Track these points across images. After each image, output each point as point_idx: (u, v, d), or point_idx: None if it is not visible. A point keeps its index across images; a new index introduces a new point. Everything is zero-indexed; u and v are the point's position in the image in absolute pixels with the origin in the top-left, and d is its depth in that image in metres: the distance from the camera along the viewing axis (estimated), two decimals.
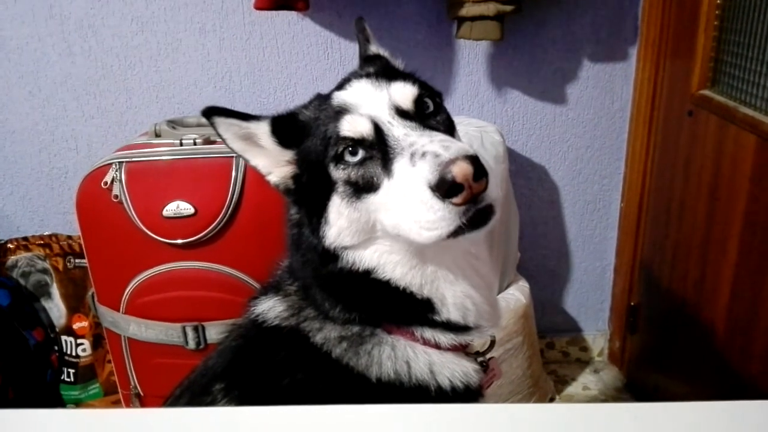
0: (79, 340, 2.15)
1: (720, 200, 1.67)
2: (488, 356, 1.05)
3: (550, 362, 2.44)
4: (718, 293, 1.68)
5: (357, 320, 0.96)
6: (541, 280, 2.37)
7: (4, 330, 2.03)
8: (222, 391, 0.97)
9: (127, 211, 1.66)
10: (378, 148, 0.88)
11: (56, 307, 2.14)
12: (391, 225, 0.88)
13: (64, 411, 0.80)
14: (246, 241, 1.68)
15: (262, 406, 0.68)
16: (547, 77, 2.15)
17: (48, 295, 2.14)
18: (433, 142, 0.82)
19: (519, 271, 2.19)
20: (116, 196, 1.67)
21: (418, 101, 0.92)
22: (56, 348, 2.17)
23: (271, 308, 1.02)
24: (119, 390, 1.94)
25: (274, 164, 1.00)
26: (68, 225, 2.16)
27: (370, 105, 0.91)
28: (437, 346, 0.96)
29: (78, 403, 2.21)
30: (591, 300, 2.45)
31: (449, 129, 0.96)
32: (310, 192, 0.96)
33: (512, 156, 2.16)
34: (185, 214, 1.65)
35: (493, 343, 1.07)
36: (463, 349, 1.00)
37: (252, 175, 1.66)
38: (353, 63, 1.13)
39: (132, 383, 1.86)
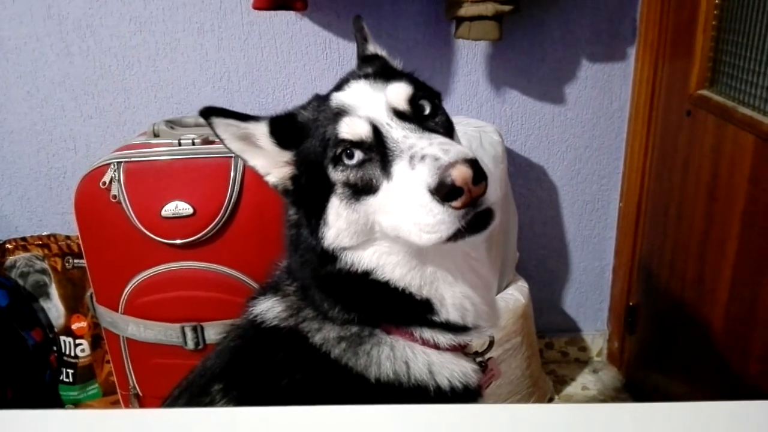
0: (78, 341, 2.15)
1: (718, 200, 1.67)
2: (487, 356, 1.05)
3: (549, 362, 2.44)
4: (716, 293, 1.68)
5: (356, 320, 0.96)
6: (540, 280, 2.37)
7: (2, 330, 2.02)
8: (221, 392, 0.97)
9: (126, 211, 1.66)
10: (377, 150, 0.88)
11: (55, 308, 2.14)
12: (390, 227, 0.88)
13: (62, 411, 0.80)
14: (245, 242, 1.68)
15: (260, 407, 0.68)
16: (546, 77, 2.15)
17: (46, 295, 2.14)
18: (432, 144, 0.82)
19: (518, 271, 2.19)
20: (115, 196, 1.67)
21: (414, 101, 0.92)
22: (55, 348, 2.17)
23: (269, 308, 1.02)
24: (118, 390, 1.94)
25: (273, 165, 1.00)
26: (67, 225, 2.16)
27: (369, 106, 0.91)
28: (436, 347, 0.96)
29: (77, 404, 2.20)
30: (590, 300, 2.45)
31: (448, 130, 0.96)
32: (309, 193, 0.96)
33: (511, 156, 2.16)
34: (184, 215, 1.65)
35: (491, 344, 1.07)
36: (462, 350, 1.00)
37: (251, 175, 1.66)
38: (352, 63, 1.13)
39: (131, 384, 1.85)
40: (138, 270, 1.71)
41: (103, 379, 2.17)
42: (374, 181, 0.88)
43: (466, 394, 0.98)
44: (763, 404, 0.65)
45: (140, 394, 1.86)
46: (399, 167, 0.84)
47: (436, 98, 0.96)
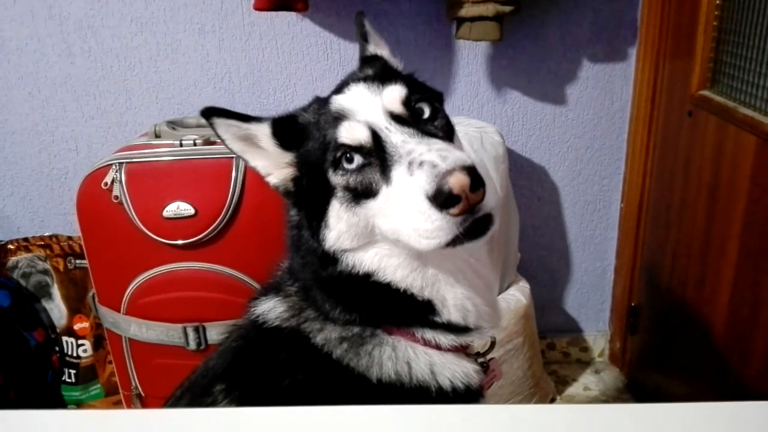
0: (80, 341, 2.15)
1: (720, 201, 1.67)
2: (489, 357, 1.05)
3: (550, 363, 2.44)
4: (718, 293, 1.68)
5: (357, 321, 0.96)
6: (542, 280, 2.37)
7: (4, 331, 2.03)
8: (223, 392, 0.97)
9: (128, 212, 1.66)
10: (376, 155, 0.88)
11: (57, 308, 2.14)
12: (390, 231, 0.88)
13: (65, 412, 0.80)
14: (246, 242, 1.68)
15: (262, 407, 0.68)
16: (547, 78, 2.15)
17: (49, 295, 2.14)
18: (431, 151, 0.82)
19: (519, 271, 2.19)
20: (116, 197, 1.67)
21: (409, 104, 0.92)
22: (57, 349, 2.17)
23: (271, 309, 1.02)
24: (120, 391, 1.94)
25: (274, 166, 1.00)
26: (68, 226, 2.16)
27: (367, 111, 0.91)
28: (438, 347, 0.96)
29: (79, 404, 2.21)
30: (591, 300, 2.45)
31: (448, 134, 0.95)
32: (310, 195, 0.96)
33: (512, 157, 2.16)
34: (185, 215, 1.65)
35: (493, 344, 1.07)
36: (463, 350, 1.00)
37: (252, 176, 1.66)
38: (353, 63, 1.12)
39: (133, 384, 1.86)
40: (140, 270, 1.71)
41: (106, 379, 2.17)
42: (374, 185, 0.88)
43: (468, 395, 0.98)
44: (765, 405, 0.65)
45: (142, 394, 1.86)
46: (398, 172, 0.84)
47: (436, 99, 0.96)
